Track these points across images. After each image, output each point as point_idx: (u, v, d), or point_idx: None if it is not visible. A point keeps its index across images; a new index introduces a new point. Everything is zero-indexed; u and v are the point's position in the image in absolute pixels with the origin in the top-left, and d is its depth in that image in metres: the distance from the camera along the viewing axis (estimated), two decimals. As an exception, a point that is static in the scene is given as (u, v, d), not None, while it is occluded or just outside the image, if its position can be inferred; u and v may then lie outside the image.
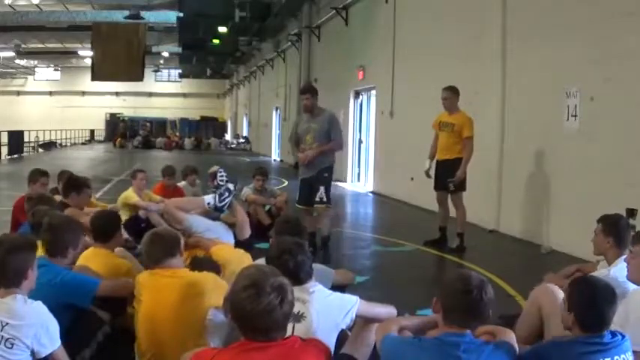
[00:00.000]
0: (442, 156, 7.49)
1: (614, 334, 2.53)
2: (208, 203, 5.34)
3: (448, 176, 7.35)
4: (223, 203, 5.31)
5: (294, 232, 3.89)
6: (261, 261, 3.83)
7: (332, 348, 2.93)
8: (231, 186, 5.40)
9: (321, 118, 6.78)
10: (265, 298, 2.19)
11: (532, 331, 3.47)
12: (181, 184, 8.90)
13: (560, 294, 3.35)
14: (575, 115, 7.30)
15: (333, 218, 6.95)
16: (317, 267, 3.68)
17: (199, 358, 2.36)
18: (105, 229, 4.15)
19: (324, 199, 6.71)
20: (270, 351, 2.23)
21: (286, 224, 4.04)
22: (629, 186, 6.40)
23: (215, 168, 5.78)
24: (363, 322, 3.08)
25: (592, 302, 2.52)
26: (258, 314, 2.19)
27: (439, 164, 7.55)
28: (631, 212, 5.55)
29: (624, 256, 3.53)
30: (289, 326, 2.82)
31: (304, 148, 6.86)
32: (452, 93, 7.46)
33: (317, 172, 6.76)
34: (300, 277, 3.03)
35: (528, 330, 3.50)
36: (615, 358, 2.47)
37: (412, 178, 10.75)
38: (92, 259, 3.98)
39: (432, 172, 7.64)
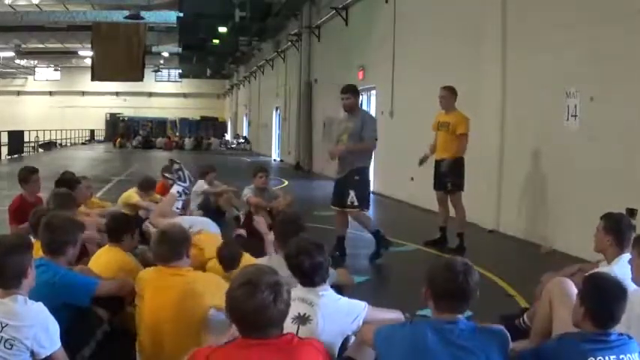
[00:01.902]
0: (440, 155, 7.53)
1: (621, 334, 2.56)
2: (178, 192, 5.97)
3: (445, 176, 7.41)
4: (185, 181, 6.19)
5: (290, 231, 3.89)
6: (263, 261, 3.84)
7: (336, 353, 2.93)
8: (176, 165, 6.33)
9: (357, 118, 6.75)
10: (259, 295, 2.21)
11: (545, 323, 3.49)
12: (199, 183, 8.89)
13: (571, 285, 3.40)
14: (575, 115, 7.30)
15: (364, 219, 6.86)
16: None
17: (196, 357, 2.37)
18: (116, 230, 4.25)
19: (355, 203, 6.65)
20: (266, 348, 2.25)
21: (285, 224, 4.03)
22: (629, 186, 6.40)
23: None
24: (367, 326, 3.06)
25: (602, 298, 2.56)
26: (252, 311, 2.21)
27: (438, 164, 7.59)
28: (631, 212, 5.56)
29: (624, 255, 3.54)
30: (294, 328, 2.83)
31: (340, 144, 6.87)
32: (448, 92, 7.50)
33: (347, 173, 6.76)
34: (314, 280, 3.05)
35: (542, 322, 3.53)
36: (621, 356, 2.49)
37: (412, 178, 10.76)
38: (102, 255, 4.16)
39: (428, 175, 7.72)
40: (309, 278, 3.06)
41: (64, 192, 5.24)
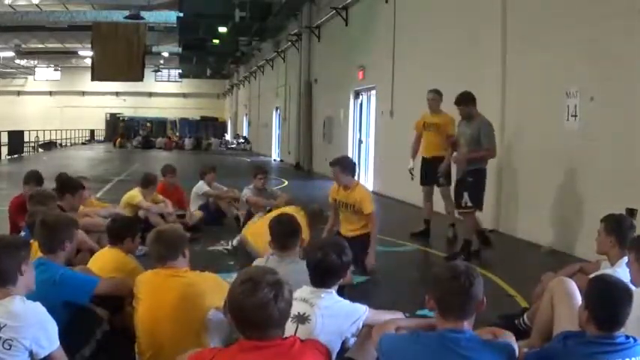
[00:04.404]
0: (431, 153, 8.06)
1: (627, 337, 2.53)
2: None
3: (437, 172, 7.85)
4: None
5: (286, 232, 3.88)
6: (260, 262, 3.84)
7: (334, 354, 2.93)
8: None
9: (474, 124, 6.88)
10: (260, 292, 2.21)
11: (546, 322, 3.50)
12: (199, 184, 8.90)
13: (572, 285, 3.40)
14: (575, 115, 7.30)
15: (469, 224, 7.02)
16: None
17: (199, 359, 2.36)
18: (116, 232, 4.26)
19: (469, 204, 6.81)
20: (270, 351, 2.24)
21: (278, 224, 4.03)
22: (629, 186, 6.39)
23: None
24: (368, 329, 3.06)
25: (607, 300, 2.53)
26: (252, 308, 2.21)
27: (428, 161, 8.10)
28: (631, 212, 5.56)
29: (627, 257, 3.54)
30: (293, 327, 2.84)
31: (459, 150, 7.11)
32: (438, 95, 7.97)
33: (462, 176, 6.94)
34: (321, 279, 3.07)
35: (543, 322, 3.54)
36: None
37: (412, 178, 10.75)
38: (102, 256, 4.19)
39: (416, 172, 8.31)
40: (319, 277, 3.07)
41: (42, 191, 5.31)
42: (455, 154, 7.24)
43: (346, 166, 6.17)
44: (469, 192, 6.82)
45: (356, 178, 6.57)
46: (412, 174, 8.26)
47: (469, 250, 6.94)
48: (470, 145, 6.86)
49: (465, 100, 6.92)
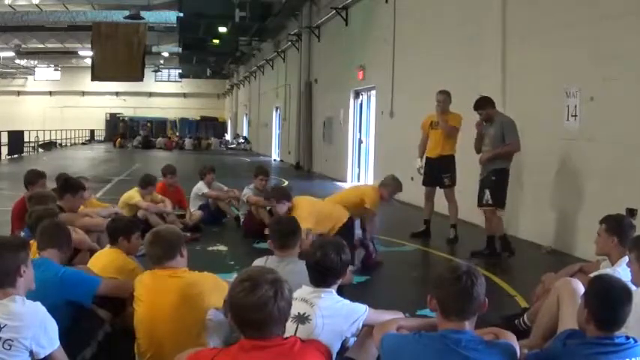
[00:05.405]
0: (435, 153, 8.07)
1: (627, 338, 2.53)
2: None
3: (442, 172, 7.99)
4: None
5: (286, 232, 3.89)
6: (259, 262, 3.84)
7: (334, 354, 2.93)
8: None
9: (496, 124, 7.02)
10: (259, 290, 2.22)
11: (551, 322, 3.50)
12: (199, 184, 8.92)
13: (579, 286, 3.41)
14: (575, 115, 7.30)
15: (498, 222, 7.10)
16: None
17: (200, 359, 2.37)
18: (115, 232, 4.25)
19: (489, 202, 6.94)
20: (271, 351, 2.25)
21: (278, 224, 4.03)
22: (628, 186, 6.39)
23: None
24: (368, 328, 3.07)
25: (606, 300, 2.53)
26: (251, 307, 2.22)
27: (432, 161, 8.11)
28: (631, 212, 5.57)
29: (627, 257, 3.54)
30: (293, 327, 2.84)
31: (484, 150, 7.19)
32: (447, 96, 8.01)
33: (486, 174, 7.05)
34: (321, 278, 3.08)
35: (547, 321, 3.54)
36: None
37: (412, 178, 10.74)
38: (103, 256, 4.18)
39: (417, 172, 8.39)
40: (318, 276, 3.08)
41: (42, 192, 5.34)
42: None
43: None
44: (491, 190, 6.94)
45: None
46: (421, 173, 8.35)
47: (494, 246, 7.04)
48: (494, 144, 6.98)
49: (483, 104, 7.11)
